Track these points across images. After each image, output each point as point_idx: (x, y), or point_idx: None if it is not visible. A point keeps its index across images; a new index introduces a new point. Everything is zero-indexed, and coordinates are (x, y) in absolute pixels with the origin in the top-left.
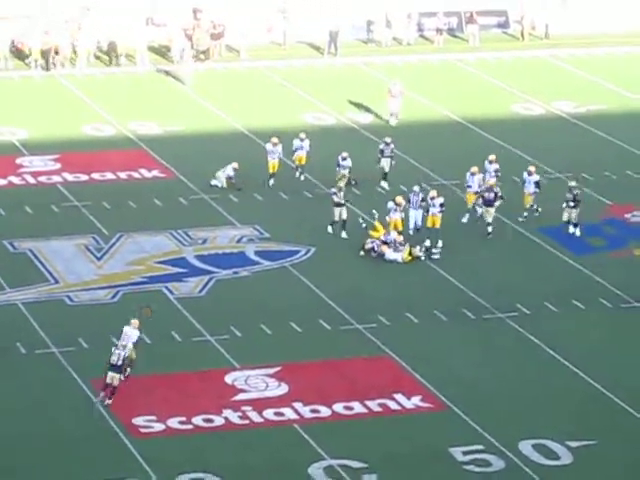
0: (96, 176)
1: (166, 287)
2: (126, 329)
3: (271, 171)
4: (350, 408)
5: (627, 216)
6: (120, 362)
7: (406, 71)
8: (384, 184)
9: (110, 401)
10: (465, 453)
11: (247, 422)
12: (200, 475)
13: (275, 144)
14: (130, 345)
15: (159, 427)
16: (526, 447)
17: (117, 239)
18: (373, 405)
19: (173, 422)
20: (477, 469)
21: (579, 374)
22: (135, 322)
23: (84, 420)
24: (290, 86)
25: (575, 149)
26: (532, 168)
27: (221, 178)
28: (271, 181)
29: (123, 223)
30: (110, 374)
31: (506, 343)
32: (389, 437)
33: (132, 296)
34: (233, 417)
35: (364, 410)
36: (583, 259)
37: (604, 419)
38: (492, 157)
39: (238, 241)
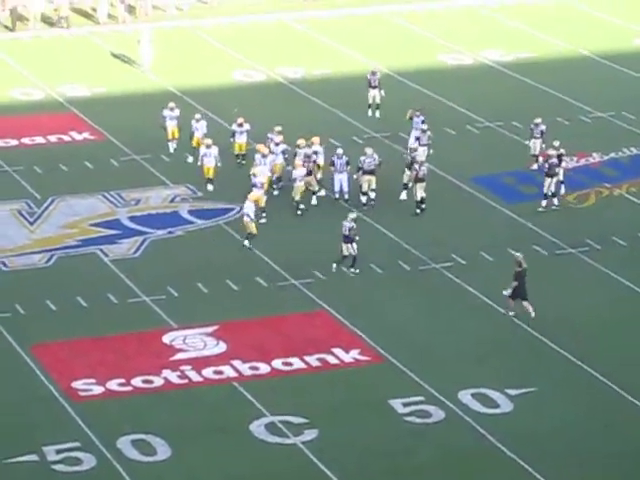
0: (26, 140)
1: (100, 249)
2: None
3: (206, 176)
4: (289, 364)
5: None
6: (347, 232)
7: (333, 25)
8: (377, 114)
9: (357, 270)
10: (405, 405)
11: (186, 381)
12: (141, 436)
13: (209, 146)
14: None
15: (98, 390)
16: (466, 396)
17: (50, 203)
18: (312, 360)
19: (112, 384)
20: (418, 420)
21: (516, 322)
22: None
23: (23, 386)
24: (218, 44)
25: (505, 97)
26: (278, 138)
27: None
28: (209, 186)
29: (55, 187)
30: (344, 245)
31: (442, 293)
32: (329, 391)
33: (66, 260)
34: (172, 377)
35: (303, 365)
36: (516, 207)
37: (543, 367)
38: (278, 128)
39: (171, 201)
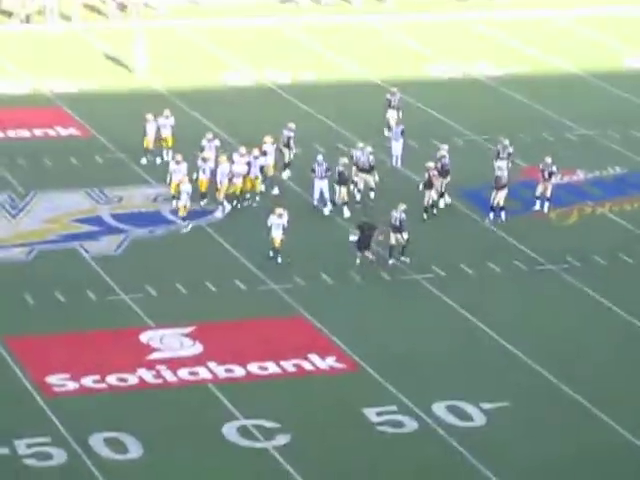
0: (11, 133)
1: (81, 245)
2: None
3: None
4: (265, 368)
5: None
6: (397, 223)
7: (324, 32)
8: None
9: (407, 259)
10: (379, 414)
11: (161, 381)
12: (114, 434)
13: (179, 162)
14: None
15: (73, 386)
16: (440, 408)
17: (32, 197)
18: (288, 365)
19: (87, 381)
20: (390, 430)
21: (493, 336)
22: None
23: None
24: (208, 45)
25: (492, 111)
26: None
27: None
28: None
29: (39, 181)
30: (392, 235)
31: (420, 304)
32: (303, 397)
33: (47, 254)
34: (147, 376)
35: (279, 370)
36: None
37: (517, 381)
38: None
39: (154, 200)
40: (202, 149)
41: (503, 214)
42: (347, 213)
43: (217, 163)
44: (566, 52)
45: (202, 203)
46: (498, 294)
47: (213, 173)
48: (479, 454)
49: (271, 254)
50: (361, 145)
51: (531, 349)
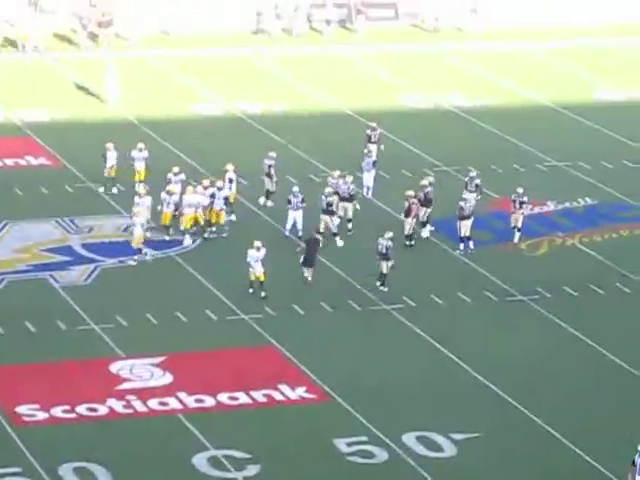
0: None
1: (51, 275)
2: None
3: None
4: (235, 398)
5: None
6: (384, 250)
7: (295, 62)
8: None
9: (386, 289)
10: (349, 444)
11: (131, 411)
12: (83, 464)
13: (141, 196)
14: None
15: (43, 416)
16: (410, 439)
17: (2, 226)
18: (258, 395)
19: (57, 411)
20: (360, 460)
21: (463, 367)
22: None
23: None
24: (179, 75)
25: (463, 142)
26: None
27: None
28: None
29: (9, 211)
30: (382, 263)
31: (391, 335)
32: (273, 428)
33: (17, 284)
34: (117, 406)
35: (249, 400)
36: (467, 252)
37: (488, 412)
38: (176, 169)
39: (124, 230)
40: (168, 182)
41: (471, 243)
42: (340, 242)
43: (182, 197)
44: (538, 84)
45: (167, 237)
46: (468, 325)
47: (178, 206)
48: None
49: (253, 289)
50: (338, 173)
51: (501, 379)
